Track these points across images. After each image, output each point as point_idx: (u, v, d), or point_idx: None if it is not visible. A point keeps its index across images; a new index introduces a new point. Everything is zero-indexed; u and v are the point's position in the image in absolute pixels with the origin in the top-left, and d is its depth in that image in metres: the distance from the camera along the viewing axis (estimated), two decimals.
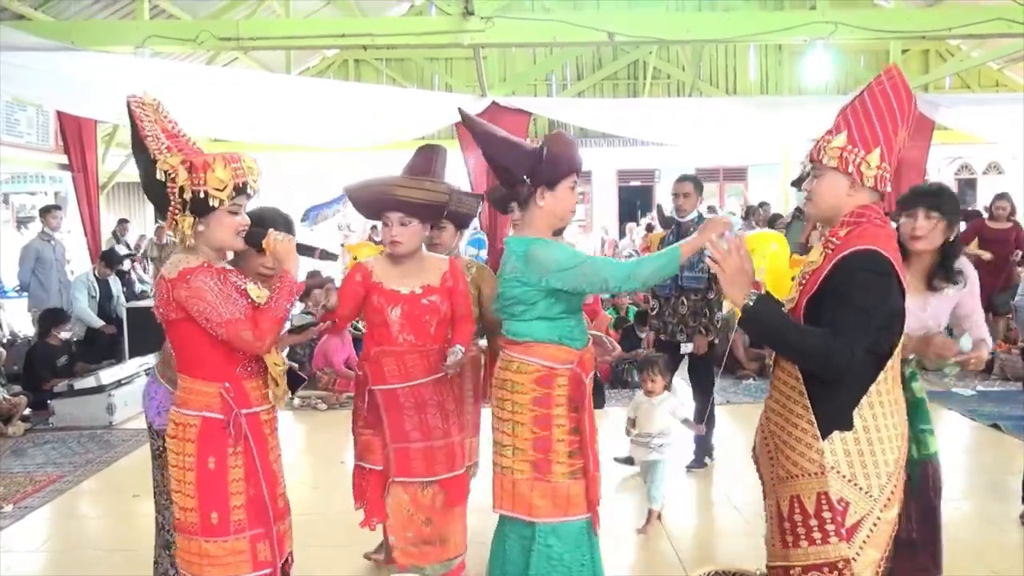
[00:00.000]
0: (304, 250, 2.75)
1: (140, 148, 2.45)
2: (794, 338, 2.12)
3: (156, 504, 3.11)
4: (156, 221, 14.46)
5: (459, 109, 2.95)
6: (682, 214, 5.13)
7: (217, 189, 2.39)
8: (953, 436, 5.97)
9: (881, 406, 2.17)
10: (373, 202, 3.09)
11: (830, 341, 2.06)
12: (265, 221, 2.67)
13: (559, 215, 2.81)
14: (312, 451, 5.98)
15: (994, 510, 4.48)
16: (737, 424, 6.01)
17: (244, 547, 2.51)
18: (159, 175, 2.39)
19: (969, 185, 17.29)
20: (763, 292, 2.17)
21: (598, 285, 2.67)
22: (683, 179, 5.24)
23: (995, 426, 5.97)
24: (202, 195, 2.38)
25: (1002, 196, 8.49)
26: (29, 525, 4.54)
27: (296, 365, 4.14)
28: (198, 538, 2.48)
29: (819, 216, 2.28)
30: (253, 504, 2.54)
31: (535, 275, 2.67)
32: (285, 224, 2.82)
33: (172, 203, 2.40)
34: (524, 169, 2.75)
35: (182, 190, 2.38)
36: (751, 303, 2.12)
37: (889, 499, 2.18)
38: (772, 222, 10.58)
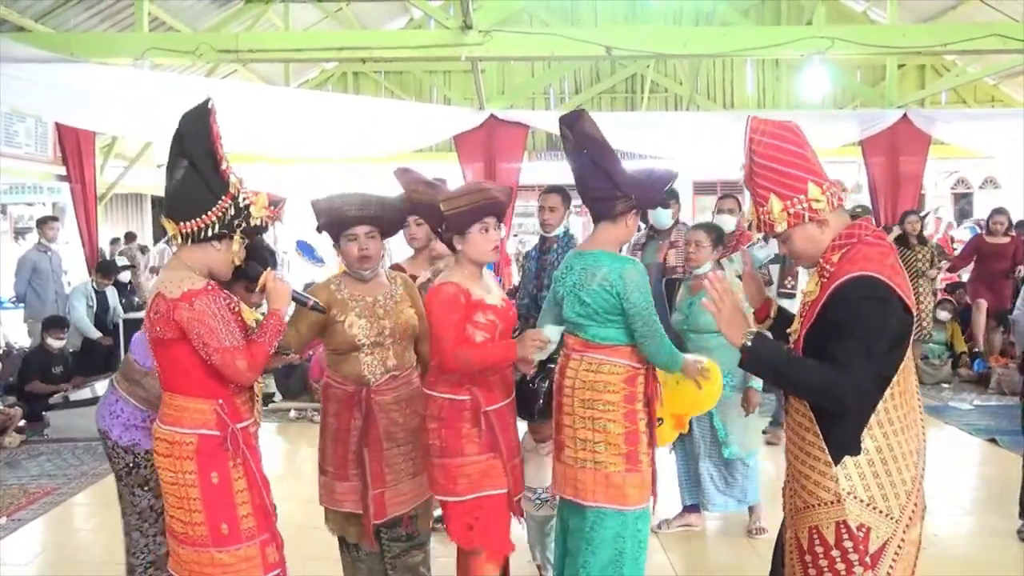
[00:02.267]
0: (298, 299, 2.77)
1: (206, 152, 2.46)
2: (798, 375, 2.09)
3: (125, 525, 3.05)
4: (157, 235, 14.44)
5: (582, 110, 2.95)
6: (547, 229, 4.65)
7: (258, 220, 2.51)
8: (950, 450, 5.96)
9: (891, 424, 2.10)
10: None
11: (835, 376, 2.02)
12: (251, 252, 2.67)
13: (626, 240, 3.07)
14: (307, 464, 5.93)
15: (992, 524, 4.47)
16: None
17: (255, 553, 2.53)
18: (228, 187, 2.44)
19: (966, 199, 17.32)
20: (758, 331, 2.17)
21: (642, 343, 2.91)
22: (550, 191, 4.69)
23: (992, 440, 5.97)
24: (253, 224, 2.48)
25: (999, 211, 8.47)
26: (23, 537, 4.52)
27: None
28: (208, 549, 2.48)
29: (812, 262, 2.23)
30: (259, 511, 2.56)
31: (623, 291, 2.88)
32: (270, 256, 2.84)
33: (209, 216, 2.41)
34: (632, 188, 2.90)
35: (239, 211, 2.44)
36: (749, 343, 2.12)
37: (911, 518, 2.12)
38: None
